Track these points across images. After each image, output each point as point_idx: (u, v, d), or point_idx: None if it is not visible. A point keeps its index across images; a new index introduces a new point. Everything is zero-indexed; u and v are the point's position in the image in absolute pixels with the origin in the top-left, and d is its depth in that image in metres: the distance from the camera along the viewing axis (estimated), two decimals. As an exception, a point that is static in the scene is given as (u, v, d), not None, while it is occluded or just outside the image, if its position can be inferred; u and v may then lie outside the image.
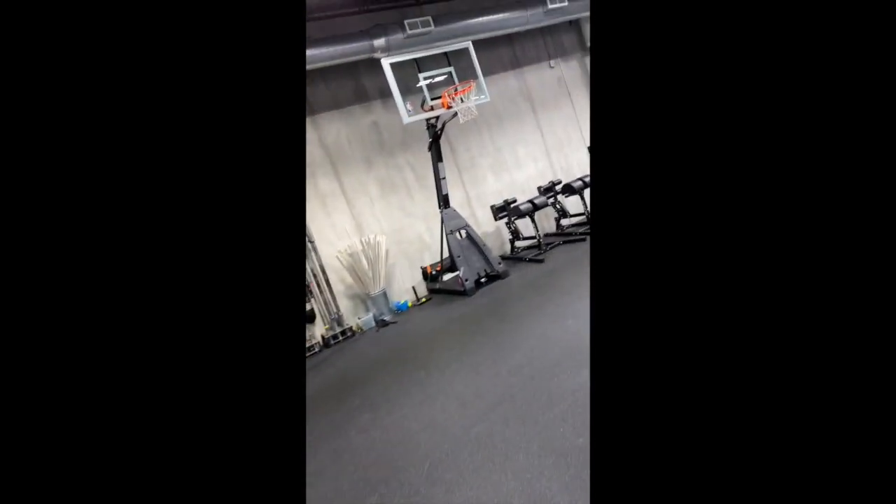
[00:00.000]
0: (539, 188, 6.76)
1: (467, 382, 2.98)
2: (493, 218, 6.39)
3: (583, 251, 5.40)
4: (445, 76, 4.98)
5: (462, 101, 4.70)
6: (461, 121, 4.84)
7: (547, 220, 7.08)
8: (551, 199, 6.60)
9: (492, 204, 6.47)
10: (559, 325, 3.36)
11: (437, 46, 5.03)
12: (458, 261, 5.25)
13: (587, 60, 7.50)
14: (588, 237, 5.90)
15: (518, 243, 6.43)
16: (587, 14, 6.68)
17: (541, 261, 5.56)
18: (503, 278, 5.34)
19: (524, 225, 6.41)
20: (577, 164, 7.45)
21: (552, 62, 7.25)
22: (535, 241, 6.11)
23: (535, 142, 7.11)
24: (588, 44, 7.36)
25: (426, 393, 3.04)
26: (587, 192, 6.76)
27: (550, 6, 5.98)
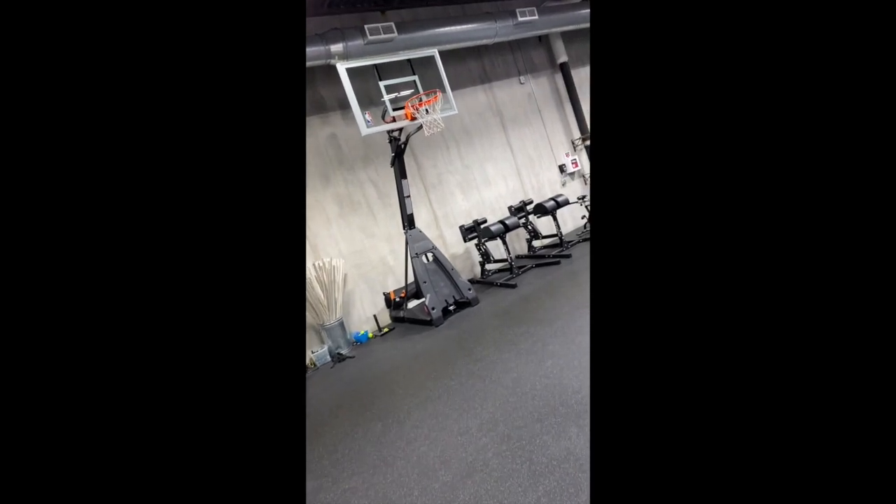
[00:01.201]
0: (510, 208, 6.43)
1: (431, 441, 2.47)
2: (462, 239, 5.97)
3: (556, 276, 5.04)
4: (409, 86, 4.57)
5: (427, 112, 4.30)
6: (426, 133, 4.43)
7: (518, 242, 6.73)
8: (523, 220, 6.27)
9: (461, 224, 6.06)
10: (537, 367, 2.92)
11: (401, 55, 4.64)
12: (423, 287, 4.76)
13: (557, 77, 7.33)
14: (561, 261, 5.56)
15: (489, 266, 6.03)
16: (557, 30, 6.51)
17: (513, 286, 5.15)
18: (473, 306, 4.89)
19: (495, 246, 6.03)
20: (548, 183, 7.19)
21: (522, 78, 7.02)
22: (507, 264, 5.72)
23: (506, 159, 6.80)
24: (558, 60, 7.20)
25: (381, 455, 2.51)
26: (560, 213, 6.48)
27: (520, 19, 5.74)
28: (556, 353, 3.02)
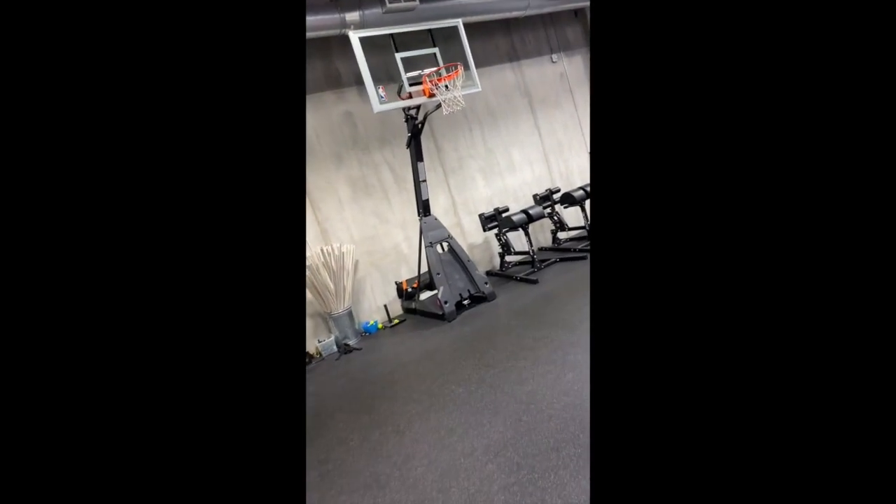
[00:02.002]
0: (535, 196, 6.00)
1: (431, 462, 2.18)
2: (481, 228, 5.61)
3: (582, 272, 4.63)
4: (429, 59, 4.18)
5: (447, 88, 3.91)
6: (444, 112, 4.05)
7: (542, 233, 6.32)
8: (548, 210, 5.85)
9: (481, 212, 5.69)
10: (556, 380, 2.58)
11: (421, 25, 4.24)
12: (437, 279, 4.45)
13: (593, 56, 6.77)
14: (588, 255, 5.14)
15: (509, 258, 5.66)
16: (596, 2, 5.95)
17: (534, 281, 4.78)
18: (489, 301, 4.55)
19: (516, 237, 5.64)
20: (577, 170, 6.70)
21: (554, 56, 6.50)
22: (529, 256, 5.34)
23: (533, 144, 6.35)
24: (594, 38, 6.63)
25: (375, 473, 2.24)
26: (588, 203, 6.02)
27: (555, -11, 5.22)
28: (578, 365, 2.67)
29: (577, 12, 6.62)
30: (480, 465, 2.02)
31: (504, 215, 5.34)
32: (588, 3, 5.97)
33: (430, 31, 4.23)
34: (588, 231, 5.79)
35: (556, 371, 2.68)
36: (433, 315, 4.54)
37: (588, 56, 6.77)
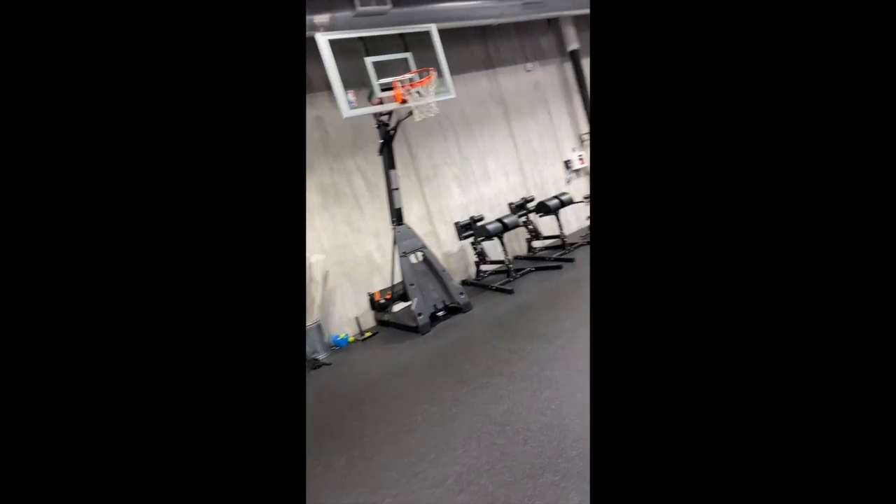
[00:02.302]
0: (510, 205, 5.95)
1: (399, 491, 2.03)
2: (456, 236, 5.51)
3: (557, 282, 4.58)
4: (400, 65, 4.07)
5: (420, 94, 3.80)
6: (416, 119, 3.94)
7: (518, 242, 6.26)
8: (523, 219, 5.80)
9: (456, 221, 5.59)
10: (532, 398, 2.47)
11: (393, 29, 4.13)
12: (410, 290, 4.30)
13: (567, 66, 6.80)
14: (563, 265, 5.10)
15: (484, 267, 5.56)
16: (568, 13, 5.99)
17: (510, 291, 4.70)
18: (465, 311, 4.44)
19: (492, 246, 5.56)
20: (552, 179, 6.70)
21: (529, 65, 6.50)
22: (504, 266, 5.26)
23: (508, 152, 6.31)
24: (568, 48, 6.67)
25: (338, 505, 2.06)
26: (563, 213, 6.01)
27: (529, -2, 5.22)
28: (556, 381, 2.57)
29: (550, 22, 6.65)
30: (452, 496, 1.89)
31: (479, 224, 5.26)
32: (562, 13, 6.00)
33: (402, 35, 4.12)
34: (562, 241, 5.76)
35: (533, 388, 2.57)
36: (407, 327, 4.38)
37: (562, 66, 6.81)
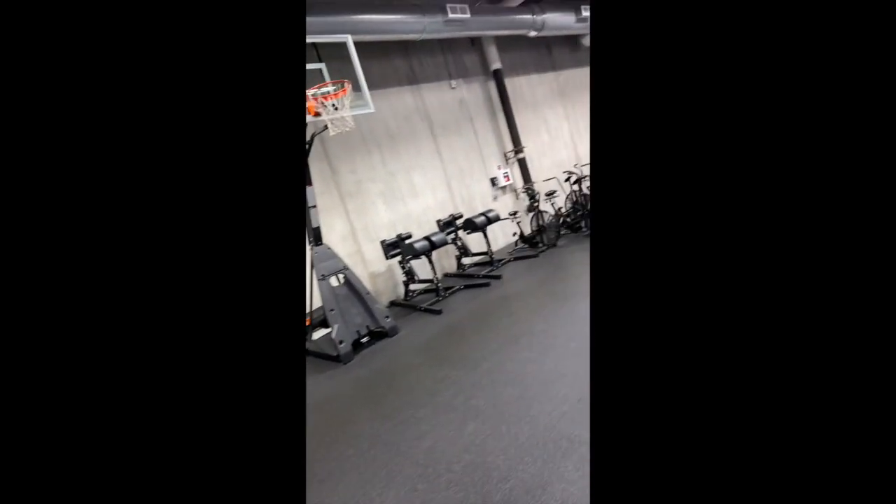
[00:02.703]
0: (438, 222, 5.85)
1: (303, 561, 1.74)
2: (383, 255, 5.28)
3: (485, 300, 4.51)
4: (314, 76, 3.83)
5: (335, 108, 3.57)
6: (331, 133, 3.70)
7: (447, 258, 6.17)
8: (452, 236, 5.72)
9: (382, 239, 5.37)
10: (457, 432, 2.30)
11: (308, 38, 3.88)
12: (331, 315, 3.99)
13: (490, 85, 6.93)
14: (490, 282, 5.07)
15: (413, 286, 5.38)
16: (490, 33, 6.10)
17: (438, 311, 4.55)
18: (391, 336, 4.20)
19: (421, 264, 5.40)
20: (479, 196, 6.72)
21: (453, 82, 6.52)
22: (433, 285, 5.11)
23: (434, 168, 6.24)
24: (491, 67, 6.81)
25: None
26: (491, 229, 6.02)
27: (451, 16, 5.23)
28: (481, 411, 2.43)
29: (473, 41, 6.76)
30: (364, 561, 1.65)
31: (407, 242, 5.08)
32: (484, 33, 6.11)
33: (315, 45, 3.89)
34: (490, 257, 5.76)
35: (458, 420, 2.41)
36: (327, 356, 4.05)
37: (486, 84, 6.92)
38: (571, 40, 8.29)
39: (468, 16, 5.40)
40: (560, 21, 6.52)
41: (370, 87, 5.52)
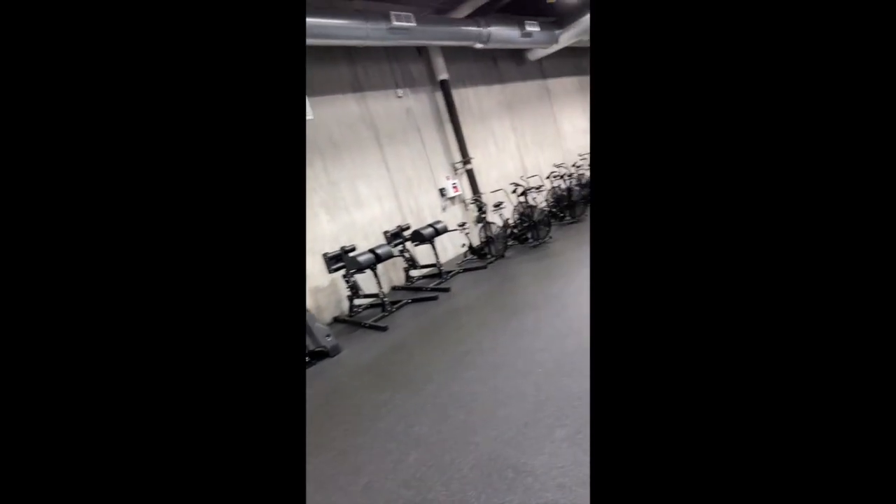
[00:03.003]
0: (386, 233, 5.67)
1: None
2: (326, 269, 5.02)
3: (433, 314, 4.38)
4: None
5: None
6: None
7: (395, 270, 5.99)
8: (399, 247, 5.56)
9: (325, 251, 5.11)
10: (396, 465, 2.13)
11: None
12: (265, 336, 3.68)
13: (437, 95, 6.88)
14: (438, 296, 4.95)
15: (358, 301, 5.15)
16: (437, 43, 6.06)
17: (383, 328, 4.35)
18: (332, 356, 3.96)
19: (367, 277, 5.18)
20: (427, 206, 6.62)
21: (400, 91, 6.40)
22: (379, 300, 4.91)
23: (381, 178, 6.06)
24: (438, 77, 6.77)
25: None
26: (439, 240, 5.92)
27: (395, 23, 5.12)
28: (423, 439, 2.28)
29: (420, 50, 6.69)
30: None
31: (351, 255, 4.85)
32: (431, 43, 6.05)
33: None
34: (439, 270, 5.65)
35: (398, 450, 2.24)
36: (262, 380, 3.73)
37: (433, 95, 6.87)
38: (517, 54, 8.46)
39: (413, 24, 5.32)
40: (505, 35, 6.61)
41: (312, 93, 5.28)
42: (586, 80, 10.80)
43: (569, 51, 9.50)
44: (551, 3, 6.42)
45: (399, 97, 6.39)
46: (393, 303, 4.93)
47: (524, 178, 7.38)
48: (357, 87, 5.92)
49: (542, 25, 7.15)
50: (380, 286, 4.92)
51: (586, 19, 7.22)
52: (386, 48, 6.16)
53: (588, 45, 8.90)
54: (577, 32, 7.46)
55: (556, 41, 7.57)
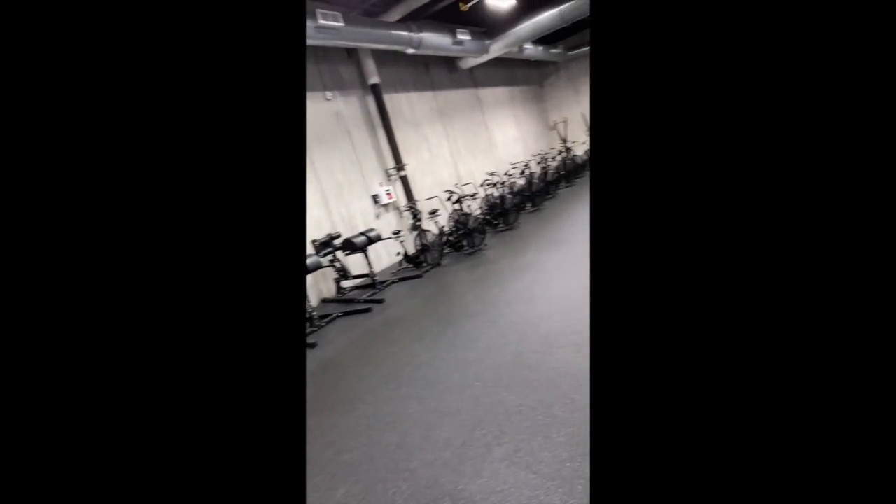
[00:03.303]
0: (314, 242, 5.35)
1: None
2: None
3: (366, 328, 4.17)
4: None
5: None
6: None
7: (325, 281, 5.67)
8: (330, 257, 5.26)
9: (245, 263, 4.68)
10: (330, 501, 1.92)
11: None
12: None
13: (369, 100, 6.68)
14: (372, 307, 4.74)
15: (284, 316, 4.78)
16: (367, 45, 5.87)
17: (312, 345, 4.06)
18: (253, 378, 3.59)
19: (292, 291, 4.83)
20: (360, 213, 6.37)
21: (329, 93, 6.13)
22: (307, 314, 4.59)
23: (309, 182, 5.73)
24: (369, 81, 6.58)
25: None
26: (373, 248, 5.71)
27: (321, 22, 4.87)
28: (355, 467, 2.09)
29: (350, 52, 6.46)
30: None
31: (274, 267, 4.49)
32: (360, 45, 5.86)
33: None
34: (373, 280, 5.43)
35: (327, 483, 2.03)
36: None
37: (364, 98, 6.66)
38: (449, 62, 8.49)
39: (342, 24, 5.10)
40: (437, 41, 6.58)
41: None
42: (517, 90, 11.14)
43: (500, 61, 9.73)
44: (464, 11, 6.48)
45: (328, 100, 6.11)
46: (322, 317, 4.64)
47: (459, 185, 7.38)
48: (281, 87, 5.56)
49: (474, 35, 7.23)
50: (307, 299, 4.61)
51: (516, 31, 7.42)
52: (314, 49, 5.87)
53: (518, 57, 9.17)
54: (507, 44, 7.64)
55: (486, 51, 7.70)
